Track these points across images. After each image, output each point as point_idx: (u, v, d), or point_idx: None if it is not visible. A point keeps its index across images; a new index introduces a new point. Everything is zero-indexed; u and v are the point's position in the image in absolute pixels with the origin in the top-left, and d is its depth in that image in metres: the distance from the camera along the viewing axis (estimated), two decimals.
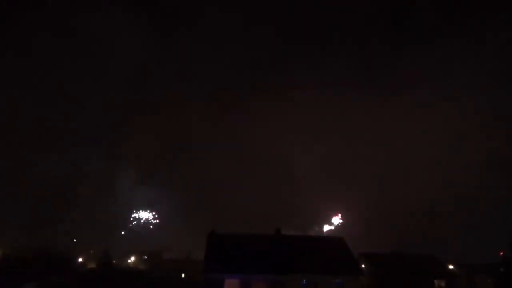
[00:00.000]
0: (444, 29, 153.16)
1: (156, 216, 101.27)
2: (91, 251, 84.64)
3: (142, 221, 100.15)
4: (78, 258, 77.93)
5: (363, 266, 56.73)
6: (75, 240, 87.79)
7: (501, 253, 60.29)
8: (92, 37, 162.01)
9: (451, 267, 64.79)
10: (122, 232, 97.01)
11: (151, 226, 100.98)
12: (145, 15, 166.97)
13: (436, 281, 54.82)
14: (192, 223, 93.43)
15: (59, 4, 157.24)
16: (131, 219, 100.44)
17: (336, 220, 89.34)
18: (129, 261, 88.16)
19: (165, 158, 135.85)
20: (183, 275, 63.77)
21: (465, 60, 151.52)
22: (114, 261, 75.29)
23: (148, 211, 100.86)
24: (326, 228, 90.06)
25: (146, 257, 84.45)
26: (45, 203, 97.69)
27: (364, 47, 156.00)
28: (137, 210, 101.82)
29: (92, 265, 75.04)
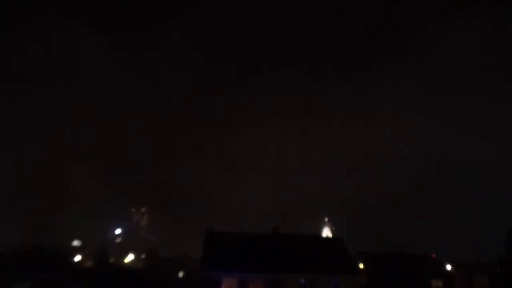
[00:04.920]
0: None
1: (153, 214, 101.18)
2: (88, 249, 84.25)
3: (140, 219, 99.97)
4: (75, 256, 77.53)
5: (361, 265, 56.74)
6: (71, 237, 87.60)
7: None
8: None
9: (448, 266, 64.85)
10: (120, 231, 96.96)
11: (148, 224, 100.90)
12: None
13: (433, 281, 54.84)
14: (190, 221, 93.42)
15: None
16: (129, 217, 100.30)
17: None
18: (127, 259, 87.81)
19: (158, 159, 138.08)
20: (180, 274, 63.47)
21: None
22: (111, 260, 74.94)
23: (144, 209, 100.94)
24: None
25: (143, 255, 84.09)
26: (40, 201, 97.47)
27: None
28: (134, 208, 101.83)
29: (89, 263, 74.67)
